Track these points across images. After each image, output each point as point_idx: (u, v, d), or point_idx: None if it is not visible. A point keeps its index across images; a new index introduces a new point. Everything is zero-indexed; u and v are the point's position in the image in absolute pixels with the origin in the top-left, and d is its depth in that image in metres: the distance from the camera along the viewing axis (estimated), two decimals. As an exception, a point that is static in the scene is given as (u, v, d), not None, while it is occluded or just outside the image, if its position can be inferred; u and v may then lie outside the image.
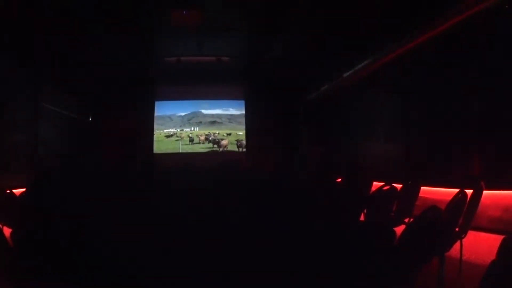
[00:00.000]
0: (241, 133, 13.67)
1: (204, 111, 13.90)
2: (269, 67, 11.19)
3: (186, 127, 13.70)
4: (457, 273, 3.44)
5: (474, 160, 6.20)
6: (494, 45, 5.62)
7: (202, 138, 13.55)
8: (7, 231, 2.40)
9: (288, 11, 7.46)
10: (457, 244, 3.43)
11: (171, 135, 13.45)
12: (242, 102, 13.83)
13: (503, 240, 1.39)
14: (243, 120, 13.76)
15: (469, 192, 3.48)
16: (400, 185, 4.91)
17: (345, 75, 9.37)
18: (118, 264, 2.01)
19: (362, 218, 4.43)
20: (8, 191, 4.14)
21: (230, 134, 13.65)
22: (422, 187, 5.16)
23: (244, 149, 13.48)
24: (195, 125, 13.77)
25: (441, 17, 5.89)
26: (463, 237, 3.47)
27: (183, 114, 13.82)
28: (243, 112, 13.80)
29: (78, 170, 9.59)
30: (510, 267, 1.21)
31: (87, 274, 1.98)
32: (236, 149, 13.49)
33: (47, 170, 8.74)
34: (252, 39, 9.40)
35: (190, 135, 13.57)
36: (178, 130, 13.58)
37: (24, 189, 4.68)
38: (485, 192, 3.81)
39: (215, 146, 13.47)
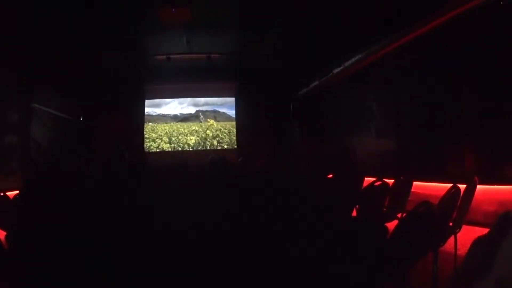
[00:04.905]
0: (232, 130, 13.64)
1: (195, 108, 13.85)
2: (260, 63, 11.15)
3: (177, 124, 13.65)
4: (452, 268, 3.41)
5: (467, 155, 6.19)
6: (487, 40, 5.61)
7: (194, 136, 13.48)
8: (1, 233, 2.35)
9: (278, 8, 7.41)
10: (452, 239, 3.40)
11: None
12: (233, 100, 13.83)
13: (474, 241, 1.34)
14: (233, 117, 13.75)
15: (462, 187, 3.45)
16: (392, 181, 4.88)
17: (335, 71, 9.34)
18: (113, 265, 1.97)
19: (354, 214, 4.39)
20: (1, 194, 4.08)
21: (220, 131, 13.60)
22: (414, 182, 5.13)
23: (235, 146, 13.46)
24: (186, 121, 13.72)
25: (434, 13, 5.86)
26: (457, 232, 3.44)
27: (174, 112, 13.78)
28: (234, 109, 13.79)
29: (71, 170, 9.50)
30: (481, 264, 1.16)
31: (83, 275, 1.95)
32: (227, 146, 13.45)
33: (40, 171, 8.66)
34: (242, 36, 9.35)
35: (181, 132, 13.51)
36: (168, 127, 13.52)
37: (18, 191, 4.61)
38: (479, 187, 3.79)
39: (206, 143, 13.41)
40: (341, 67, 9.04)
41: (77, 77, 10.45)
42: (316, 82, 10.68)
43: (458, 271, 1.25)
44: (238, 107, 13.78)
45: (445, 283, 2.72)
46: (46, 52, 8.33)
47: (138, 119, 13.14)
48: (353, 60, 8.48)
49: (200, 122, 13.67)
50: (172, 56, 10.46)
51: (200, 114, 13.73)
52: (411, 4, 6.23)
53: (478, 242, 1.27)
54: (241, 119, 13.67)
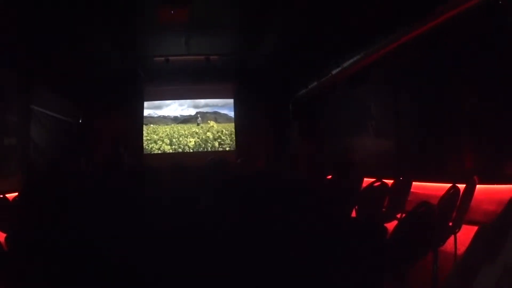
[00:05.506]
0: (233, 131, 13.65)
1: (195, 110, 13.85)
2: (259, 64, 11.15)
3: (177, 126, 13.65)
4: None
5: (467, 154, 6.19)
6: (487, 40, 5.61)
7: (194, 138, 13.48)
8: (1, 235, 2.34)
9: (277, 9, 7.41)
10: (452, 238, 3.40)
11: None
12: (232, 101, 13.85)
13: (477, 230, 1.33)
14: (232, 118, 13.76)
15: (462, 186, 3.45)
16: (392, 181, 4.88)
17: (335, 71, 9.33)
18: (113, 265, 1.95)
19: (353, 214, 4.39)
20: (1, 195, 4.07)
21: (222, 133, 13.60)
22: (414, 183, 5.14)
23: (234, 148, 13.47)
24: (186, 123, 13.71)
25: (434, 13, 5.84)
26: (457, 232, 3.44)
27: (174, 113, 13.79)
28: (233, 110, 13.80)
29: (70, 172, 9.49)
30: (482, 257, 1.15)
31: (83, 276, 1.94)
32: (228, 148, 13.46)
33: (39, 172, 8.63)
34: (241, 37, 9.34)
35: (181, 134, 13.51)
36: (169, 129, 13.52)
37: (17, 193, 4.62)
38: (479, 186, 3.79)
39: (207, 145, 13.41)
40: (340, 68, 9.02)
41: (76, 77, 10.43)
42: (316, 83, 10.67)
43: (463, 256, 1.23)
44: (237, 108, 13.77)
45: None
46: (46, 52, 8.32)
47: (138, 120, 13.11)
48: (352, 60, 8.46)
49: (198, 124, 13.65)
50: (171, 58, 10.46)
51: (198, 116, 13.72)
52: (411, 4, 6.22)
53: (484, 228, 1.26)
54: (240, 120, 13.66)
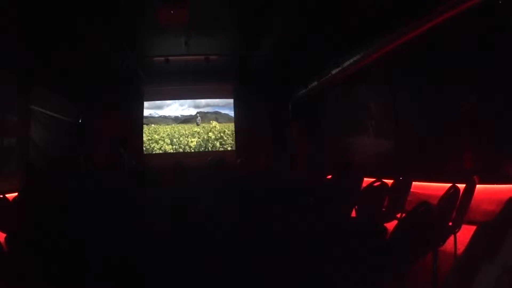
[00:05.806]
0: (232, 130, 13.66)
1: (196, 110, 13.84)
2: (258, 64, 11.14)
3: (178, 126, 13.64)
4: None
5: (467, 154, 6.19)
6: (487, 40, 5.60)
7: (195, 138, 13.48)
8: (1, 235, 2.34)
9: (277, 9, 7.40)
10: (452, 238, 3.40)
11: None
12: (231, 101, 13.83)
13: (477, 229, 1.32)
14: (232, 118, 13.75)
15: (462, 186, 3.45)
16: (392, 181, 4.88)
17: (334, 71, 9.32)
18: (113, 265, 1.96)
19: (353, 214, 4.39)
20: (1, 196, 4.07)
21: (224, 133, 13.60)
22: (414, 183, 5.14)
23: (234, 148, 13.48)
24: (185, 123, 13.72)
25: (433, 13, 5.84)
26: (457, 232, 3.44)
27: (175, 113, 13.79)
28: (232, 110, 13.79)
29: (70, 172, 9.48)
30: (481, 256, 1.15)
31: (82, 277, 1.94)
32: (230, 148, 13.46)
33: (39, 172, 8.62)
34: (240, 37, 9.33)
35: (182, 134, 13.51)
36: (170, 129, 13.52)
37: (17, 193, 4.61)
38: (479, 186, 3.79)
39: (208, 145, 13.41)
40: (340, 67, 9.02)
41: (76, 77, 10.43)
42: (315, 82, 10.66)
43: (463, 255, 1.23)
44: (237, 107, 13.75)
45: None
46: (46, 52, 8.31)
47: (138, 121, 13.10)
48: (352, 60, 8.45)
49: (198, 124, 13.65)
50: (170, 58, 10.45)
51: (198, 115, 13.72)
52: (411, 4, 6.21)
53: (483, 227, 1.26)
54: (240, 120, 13.65)
